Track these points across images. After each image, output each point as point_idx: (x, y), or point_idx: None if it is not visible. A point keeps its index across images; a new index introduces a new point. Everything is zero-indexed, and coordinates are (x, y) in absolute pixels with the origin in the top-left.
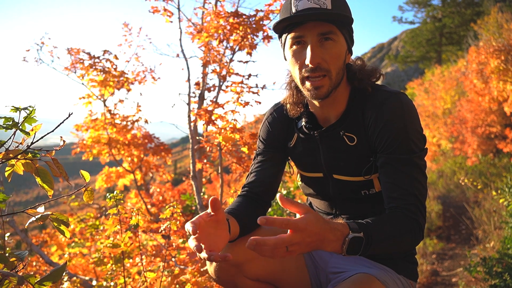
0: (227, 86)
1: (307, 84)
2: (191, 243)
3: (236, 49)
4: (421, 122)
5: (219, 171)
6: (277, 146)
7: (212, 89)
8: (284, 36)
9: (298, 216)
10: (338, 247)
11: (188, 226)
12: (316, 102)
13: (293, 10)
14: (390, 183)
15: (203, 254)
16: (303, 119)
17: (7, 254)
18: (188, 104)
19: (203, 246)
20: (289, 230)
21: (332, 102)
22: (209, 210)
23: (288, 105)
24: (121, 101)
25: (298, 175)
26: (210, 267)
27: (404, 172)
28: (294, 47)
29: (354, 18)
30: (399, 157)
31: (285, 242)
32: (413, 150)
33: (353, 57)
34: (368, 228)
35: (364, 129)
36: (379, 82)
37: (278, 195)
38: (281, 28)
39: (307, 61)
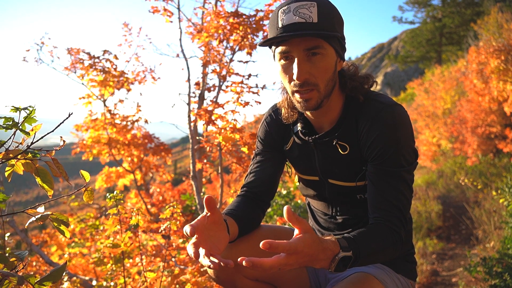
0: (227, 86)
1: (297, 96)
2: (189, 249)
3: (236, 49)
4: (421, 122)
5: (219, 171)
6: (275, 147)
7: (212, 89)
8: (273, 48)
9: (296, 231)
10: (326, 265)
11: (186, 228)
12: (308, 112)
13: (279, 25)
14: (376, 193)
15: (205, 261)
16: (299, 125)
17: (7, 254)
18: (188, 104)
19: (203, 251)
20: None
21: (326, 110)
22: (205, 210)
23: (283, 109)
24: (121, 101)
25: (296, 176)
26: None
27: (390, 184)
28: (283, 61)
29: (354, 18)
30: (388, 169)
31: (281, 264)
32: (401, 164)
33: (352, 58)
34: (357, 245)
35: (357, 138)
36: (377, 89)
37: (285, 207)
38: (268, 43)
39: (294, 77)
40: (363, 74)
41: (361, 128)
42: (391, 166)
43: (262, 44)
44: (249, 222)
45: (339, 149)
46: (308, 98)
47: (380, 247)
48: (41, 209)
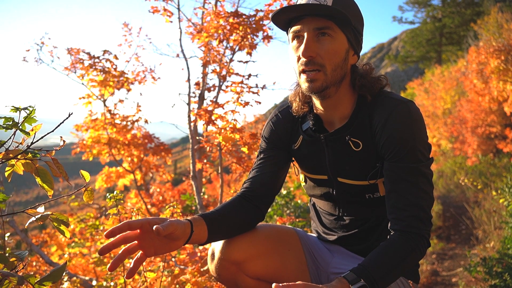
0: (227, 86)
1: (303, 77)
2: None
3: (236, 49)
4: None
5: (219, 171)
6: (280, 146)
7: (212, 89)
8: (289, 29)
9: None
10: None
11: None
12: (318, 103)
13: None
14: (394, 192)
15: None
16: (310, 121)
17: (7, 254)
18: (188, 104)
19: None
20: None
21: (335, 104)
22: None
23: (294, 103)
24: (121, 101)
25: (302, 176)
26: (211, 265)
27: (409, 181)
28: (294, 41)
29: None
30: (406, 165)
31: None
32: (419, 159)
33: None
34: (366, 270)
35: (370, 135)
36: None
37: (273, 285)
38: (282, 23)
39: (300, 53)
40: (376, 76)
41: (376, 124)
42: (409, 162)
43: (274, 16)
44: (229, 224)
45: (352, 146)
46: (313, 79)
47: (397, 259)
48: (41, 209)
